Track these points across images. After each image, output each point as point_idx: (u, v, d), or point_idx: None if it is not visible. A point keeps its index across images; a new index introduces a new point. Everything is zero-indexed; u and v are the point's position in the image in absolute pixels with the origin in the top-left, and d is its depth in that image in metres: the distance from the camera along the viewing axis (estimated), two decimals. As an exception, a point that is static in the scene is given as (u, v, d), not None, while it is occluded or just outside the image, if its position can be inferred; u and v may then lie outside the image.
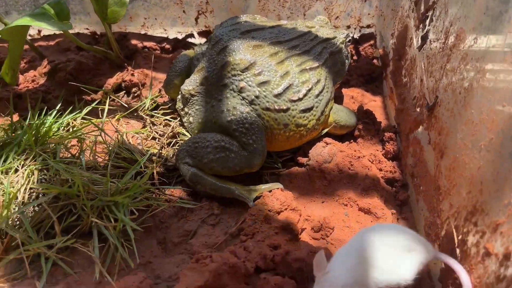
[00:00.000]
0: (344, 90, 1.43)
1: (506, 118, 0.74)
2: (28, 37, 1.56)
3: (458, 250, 0.85)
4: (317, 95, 1.12)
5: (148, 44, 1.53)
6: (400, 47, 1.32)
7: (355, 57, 1.52)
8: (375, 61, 1.51)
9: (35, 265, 0.90)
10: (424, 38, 1.13)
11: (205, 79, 1.12)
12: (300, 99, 1.08)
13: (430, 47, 1.10)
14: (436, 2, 1.10)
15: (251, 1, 1.47)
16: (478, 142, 0.82)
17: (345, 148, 1.19)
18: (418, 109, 1.14)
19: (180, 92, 1.17)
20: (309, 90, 1.10)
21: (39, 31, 1.60)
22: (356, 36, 1.55)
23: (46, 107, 1.27)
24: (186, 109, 1.16)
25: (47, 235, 0.94)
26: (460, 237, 0.85)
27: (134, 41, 1.51)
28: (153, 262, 0.93)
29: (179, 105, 1.19)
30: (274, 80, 1.07)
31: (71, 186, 0.97)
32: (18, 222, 0.94)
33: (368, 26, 1.54)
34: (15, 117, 1.25)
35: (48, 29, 1.17)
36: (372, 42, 1.51)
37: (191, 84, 1.15)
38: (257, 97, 1.06)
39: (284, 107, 1.07)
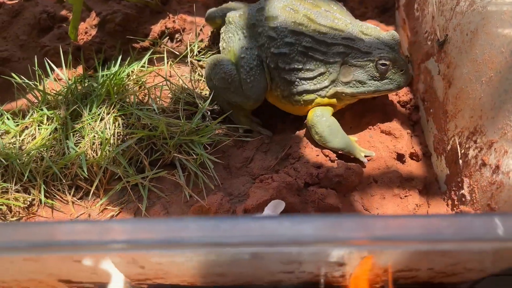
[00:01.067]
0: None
1: (503, 62, 0.95)
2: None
3: (460, 161, 1.11)
4: (313, 86, 1.22)
5: (180, -12, 1.66)
6: (413, -19, 1.46)
7: (370, -10, 1.66)
8: (388, -9, 1.66)
9: (134, 192, 1.17)
10: (437, -22, 1.28)
11: (243, 14, 1.28)
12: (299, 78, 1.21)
13: (441, -12, 1.26)
14: None
15: None
16: (480, 77, 1.03)
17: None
18: (429, 43, 1.33)
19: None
20: (305, 77, 1.21)
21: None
22: (370, -31, 1.67)
23: (103, 57, 1.46)
24: (223, 34, 1.33)
25: (138, 168, 1.20)
26: (462, 151, 1.11)
27: (168, -14, 1.64)
28: (224, 184, 1.19)
29: (222, 29, 1.34)
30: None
31: (151, 130, 1.20)
32: (114, 160, 1.18)
33: (382, -42, 1.65)
34: (80, 69, 1.44)
35: None
36: (386, -26, 1.64)
37: (234, 13, 1.30)
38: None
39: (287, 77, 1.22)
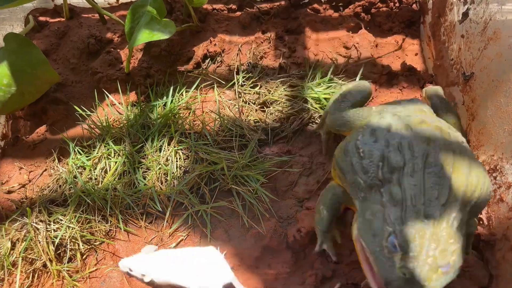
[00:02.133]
0: (388, 38, 1.70)
1: (526, 120, 1.10)
2: (107, 5, 1.75)
3: (480, 189, 1.29)
4: None
5: (216, 6, 1.73)
6: (440, 5, 1.55)
7: (397, 4, 1.74)
8: (414, 6, 1.74)
9: (197, 217, 1.36)
10: (465, 15, 1.38)
11: None
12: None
13: (469, 26, 1.36)
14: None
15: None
16: (503, 125, 1.18)
17: (390, 95, 1.54)
18: (454, 71, 1.46)
19: None
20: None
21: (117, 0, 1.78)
22: (398, -16, 1.74)
23: (151, 82, 1.58)
24: None
25: (198, 195, 1.38)
26: (482, 181, 1.28)
27: (204, 5, 1.71)
28: (273, 207, 1.38)
29: None
30: None
31: (209, 163, 1.37)
32: (179, 191, 1.36)
33: (410, -24, 1.72)
34: (132, 95, 1.56)
35: (162, 37, 1.37)
36: (413, -10, 1.72)
37: None
38: None
39: None
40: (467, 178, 1.02)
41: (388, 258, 0.92)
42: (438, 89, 1.40)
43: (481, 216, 1.27)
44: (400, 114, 1.17)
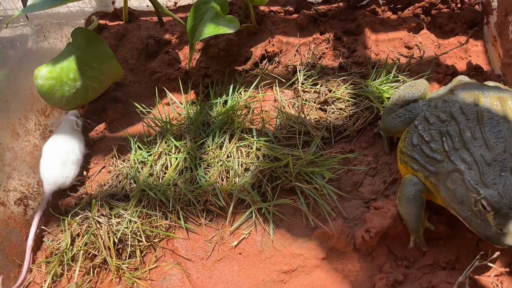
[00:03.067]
0: (451, 39, 1.65)
1: None
2: (165, 8, 1.77)
3: None
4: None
5: (273, 8, 1.73)
6: (508, 4, 1.50)
7: (459, 5, 1.69)
8: (476, 6, 1.69)
9: (260, 215, 1.31)
10: (541, 9, 1.32)
11: None
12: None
13: (546, 20, 1.30)
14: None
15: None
16: None
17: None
18: (527, 69, 1.39)
19: None
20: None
21: (175, 3, 1.80)
22: (460, -15, 1.70)
23: (210, 81, 1.57)
24: None
25: (259, 193, 1.33)
26: None
27: (261, 7, 1.71)
28: (339, 207, 1.32)
29: None
30: None
31: (272, 159, 1.33)
32: (241, 188, 1.32)
33: (473, -24, 1.68)
34: (191, 94, 1.56)
35: (227, 32, 1.35)
36: (475, -10, 1.67)
37: None
38: None
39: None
40: None
41: (482, 219, 1.00)
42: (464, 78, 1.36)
43: None
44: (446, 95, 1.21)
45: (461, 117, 1.12)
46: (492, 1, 1.61)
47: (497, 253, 1.09)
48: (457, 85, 1.26)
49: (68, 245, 1.28)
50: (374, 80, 1.49)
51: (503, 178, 0.99)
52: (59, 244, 1.30)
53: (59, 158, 1.37)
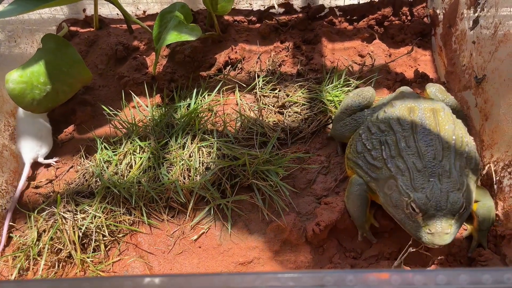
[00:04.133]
0: (401, 49, 1.78)
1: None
2: (135, 16, 1.85)
3: (495, 186, 1.32)
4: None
5: (237, 18, 1.84)
6: (451, 16, 1.63)
7: (409, 17, 1.83)
8: (425, 19, 1.83)
9: (218, 210, 1.40)
10: (476, 22, 1.45)
11: None
12: None
13: (480, 31, 1.43)
14: (487, -4, 1.40)
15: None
16: (516, 120, 1.23)
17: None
18: (466, 76, 1.52)
19: None
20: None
21: (144, 11, 1.89)
22: (410, -1, 1.84)
23: (175, 85, 1.66)
24: None
25: (219, 190, 1.42)
26: (497, 178, 1.32)
27: (226, 17, 1.81)
28: (292, 203, 1.41)
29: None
30: None
31: (231, 158, 1.42)
32: (201, 185, 1.40)
33: (422, -9, 1.82)
34: (157, 98, 1.64)
35: (189, 39, 1.44)
36: (424, 4, 1.81)
37: None
38: None
39: None
40: (454, 132, 1.20)
41: (413, 221, 1.10)
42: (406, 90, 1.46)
43: (497, 212, 1.29)
44: (388, 107, 1.32)
45: (397, 127, 1.23)
46: (439, 14, 1.75)
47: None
48: (397, 96, 1.40)
49: (35, 240, 1.34)
50: (328, 85, 1.60)
51: (431, 183, 1.10)
52: (26, 239, 1.36)
53: (33, 129, 1.53)
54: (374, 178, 1.23)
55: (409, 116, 1.25)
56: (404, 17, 1.82)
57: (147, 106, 1.60)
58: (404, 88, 1.47)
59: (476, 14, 1.46)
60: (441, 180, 1.10)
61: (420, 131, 1.20)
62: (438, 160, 1.14)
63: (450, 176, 1.11)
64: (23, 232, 1.41)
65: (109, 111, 1.58)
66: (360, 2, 1.86)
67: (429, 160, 1.14)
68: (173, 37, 1.39)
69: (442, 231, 1.06)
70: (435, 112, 1.25)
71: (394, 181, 1.15)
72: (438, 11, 1.76)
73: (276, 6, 1.85)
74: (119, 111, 1.62)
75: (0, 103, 1.50)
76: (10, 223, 1.41)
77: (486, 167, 1.37)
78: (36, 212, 1.38)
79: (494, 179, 1.33)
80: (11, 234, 1.41)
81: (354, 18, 1.87)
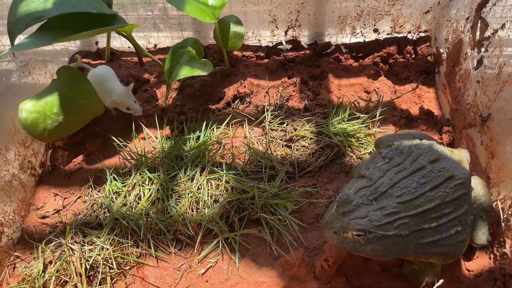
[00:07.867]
0: (406, 86, 1.82)
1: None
2: (145, 50, 1.90)
3: (503, 224, 1.33)
4: None
5: (246, 53, 1.89)
6: (455, 56, 1.68)
7: (413, 56, 1.88)
8: (429, 57, 1.88)
9: (226, 244, 1.39)
10: (480, 62, 1.50)
11: None
12: None
13: (484, 71, 1.47)
14: (491, 38, 1.44)
15: (333, 17, 1.79)
16: (523, 159, 1.25)
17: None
18: (471, 114, 1.55)
19: None
20: None
21: (155, 45, 1.94)
22: (415, 38, 1.89)
23: (185, 118, 1.69)
24: None
25: (226, 223, 1.42)
26: (505, 216, 1.32)
27: (235, 52, 1.86)
28: (300, 238, 1.41)
29: None
30: None
31: (239, 191, 1.42)
32: (210, 218, 1.40)
33: (425, 31, 1.88)
34: (167, 130, 1.66)
35: (201, 74, 1.50)
36: (428, 44, 1.86)
37: None
38: None
39: None
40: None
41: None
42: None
43: (505, 250, 1.29)
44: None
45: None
46: (443, 53, 1.80)
47: (441, 280, 1.20)
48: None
49: (40, 272, 1.32)
50: (333, 118, 1.63)
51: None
52: (31, 270, 1.35)
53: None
54: None
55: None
56: (409, 55, 1.87)
57: (157, 138, 1.62)
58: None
59: (480, 55, 1.50)
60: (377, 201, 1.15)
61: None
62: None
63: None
64: (28, 262, 1.40)
65: (119, 142, 1.59)
66: (366, 40, 1.92)
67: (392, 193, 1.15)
68: (185, 72, 1.43)
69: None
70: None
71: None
72: (441, 50, 1.81)
73: (284, 42, 1.91)
74: (129, 142, 1.63)
75: (12, 133, 1.51)
76: (15, 254, 1.40)
77: (493, 205, 1.38)
78: (43, 242, 1.38)
79: (502, 217, 1.33)
80: (16, 265, 1.40)
81: (360, 55, 1.92)
